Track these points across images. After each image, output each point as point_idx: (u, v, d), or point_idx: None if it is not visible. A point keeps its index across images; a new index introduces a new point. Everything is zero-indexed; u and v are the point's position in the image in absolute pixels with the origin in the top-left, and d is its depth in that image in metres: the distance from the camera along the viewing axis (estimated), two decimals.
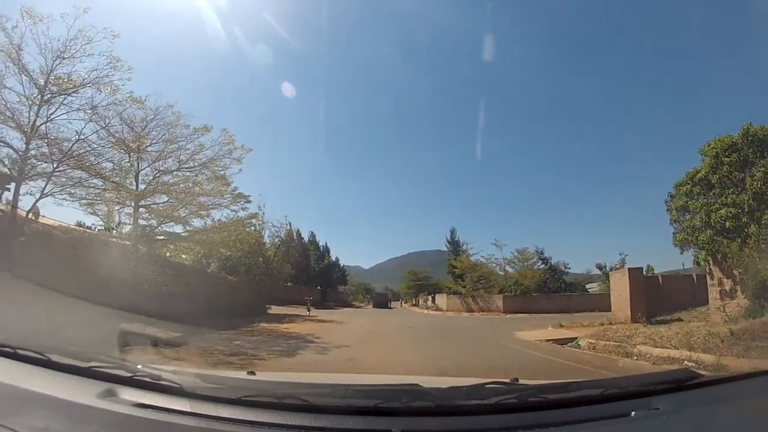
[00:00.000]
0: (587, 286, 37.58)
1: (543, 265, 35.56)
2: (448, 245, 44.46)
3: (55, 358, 1.55)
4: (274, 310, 21.02)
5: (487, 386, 1.47)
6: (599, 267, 28.96)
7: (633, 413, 1.34)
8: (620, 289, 15.37)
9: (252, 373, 1.96)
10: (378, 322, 18.69)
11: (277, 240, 21.31)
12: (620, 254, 25.38)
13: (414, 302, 60.05)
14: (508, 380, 1.66)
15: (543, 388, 1.51)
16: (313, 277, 42.42)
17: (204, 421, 1.25)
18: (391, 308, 49.22)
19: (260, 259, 18.45)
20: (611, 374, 4.62)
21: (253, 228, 19.51)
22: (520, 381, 1.67)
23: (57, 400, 1.32)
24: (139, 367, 1.53)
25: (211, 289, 14.70)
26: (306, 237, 47.04)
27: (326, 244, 48.97)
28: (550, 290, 34.67)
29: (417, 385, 1.45)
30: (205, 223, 15.68)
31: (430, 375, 4.63)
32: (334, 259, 49.29)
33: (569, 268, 38.30)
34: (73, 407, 1.29)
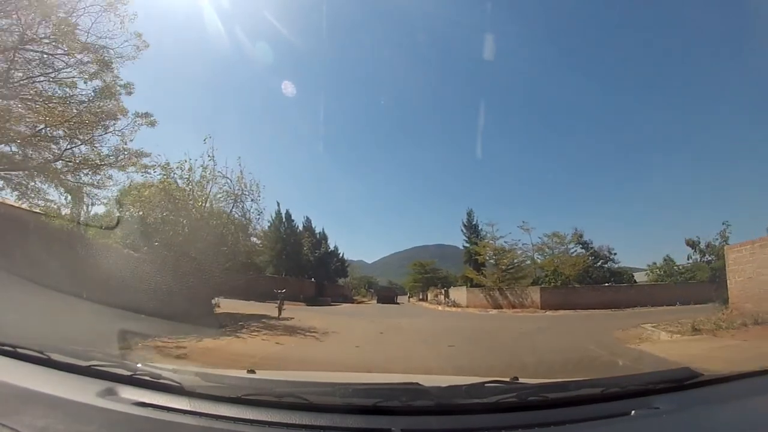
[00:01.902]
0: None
1: (583, 251, 27.56)
2: (465, 230, 37.85)
3: (55, 356, 1.56)
4: (233, 307, 15.77)
5: (487, 385, 1.47)
6: (691, 244, 21.47)
7: (633, 412, 1.35)
8: (752, 270, 11.03)
9: (252, 371, 1.96)
10: (387, 330, 12.77)
11: (229, 198, 13.85)
12: (724, 224, 17.70)
13: (421, 297, 56.24)
14: (508, 379, 1.65)
15: (543, 387, 1.52)
16: (307, 268, 35.37)
17: (204, 419, 1.25)
18: (397, 303, 45.11)
19: (184, 221, 10.95)
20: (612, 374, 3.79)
21: (185, 181, 11.93)
22: (520, 380, 1.67)
23: (57, 398, 1.33)
24: (139, 365, 1.53)
25: (104, 273, 9.66)
26: (300, 223, 39.55)
27: (323, 230, 42.48)
28: (594, 281, 29.47)
29: (417, 383, 1.44)
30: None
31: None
32: (332, 248, 41.95)
33: (615, 254, 32.33)
34: (73, 406, 1.30)
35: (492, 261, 30.71)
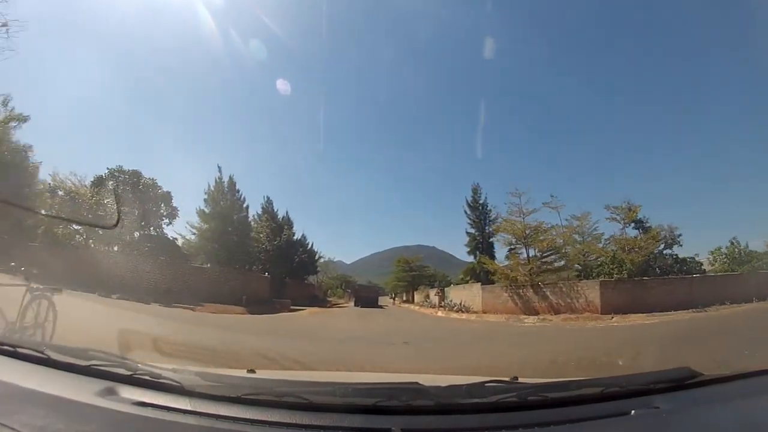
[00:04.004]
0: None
1: (640, 232, 22.54)
2: (468, 211, 27.83)
3: (54, 356, 1.61)
4: None
5: (487, 384, 1.52)
6: None
7: (633, 412, 1.38)
8: None
9: (252, 371, 1.94)
10: None
11: None
12: None
13: (406, 298, 49.08)
14: (508, 379, 1.71)
15: (543, 386, 1.58)
16: (260, 259, 24.35)
17: (204, 419, 1.29)
18: (381, 307, 36.60)
19: None
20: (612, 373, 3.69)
21: None
22: (520, 379, 1.72)
23: (56, 398, 1.36)
24: (139, 365, 1.59)
25: None
26: (255, 201, 29.31)
27: (287, 215, 31.66)
28: (657, 271, 21.77)
29: (417, 383, 1.50)
30: None
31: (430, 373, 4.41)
32: (299, 238, 31.48)
33: (680, 235, 24.40)
34: (73, 406, 1.33)
35: (514, 247, 21.10)
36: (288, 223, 37.06)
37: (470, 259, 36.14)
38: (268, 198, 37.09)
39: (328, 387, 1.51)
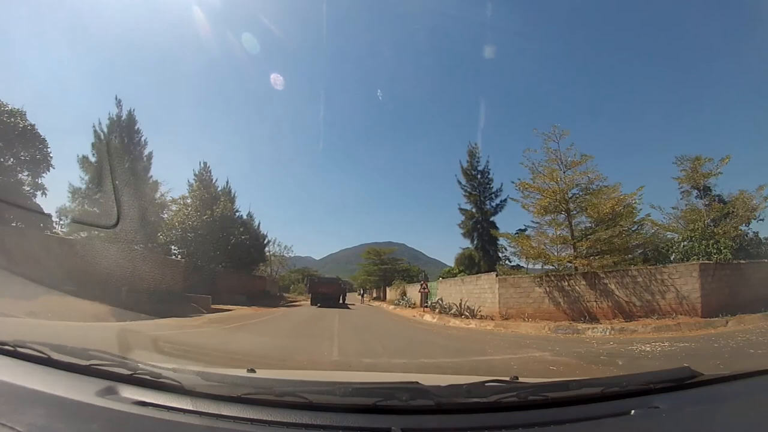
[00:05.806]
0: None
1: (705, 204, 17.23)
2: (464, 180, 19.40)
3: (54, 356, 1.62)
4: None
5: (487, 384, 1.53)
6: None
7: (633, 412, 1.39)
8: None
9: (252, 370, 1.92)
10: None
11: None
12: None
13: (377, 295, 42.08)
14: (508, 378, 1.71)
15: (543, 386, 1.57)
16: (188, 240, 14.46)
17: (204, 419, 1.30)
18: (347, 306, 28.58)
19: None
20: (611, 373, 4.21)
21: None
22: (520, 379, 1.72)
23: (57, 398, 1.37)
24: (140, 365, 1.61)
25: None
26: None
27: (229, 185, 22.15)
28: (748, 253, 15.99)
29: (417, 383, 1.52)
30: None
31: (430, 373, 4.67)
32: (243, 216, 22.35)
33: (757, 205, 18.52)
34: (73, 405, 1.34)
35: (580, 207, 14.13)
36: (228, 194, 28.73)
37: (445, 256, 29.83)
38: (205, 164, 29.05)
39: (328, 386, 1.54)
